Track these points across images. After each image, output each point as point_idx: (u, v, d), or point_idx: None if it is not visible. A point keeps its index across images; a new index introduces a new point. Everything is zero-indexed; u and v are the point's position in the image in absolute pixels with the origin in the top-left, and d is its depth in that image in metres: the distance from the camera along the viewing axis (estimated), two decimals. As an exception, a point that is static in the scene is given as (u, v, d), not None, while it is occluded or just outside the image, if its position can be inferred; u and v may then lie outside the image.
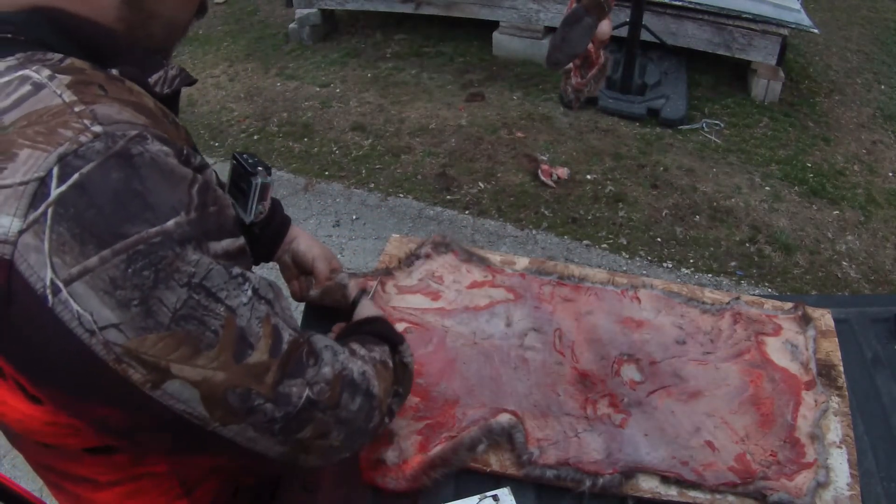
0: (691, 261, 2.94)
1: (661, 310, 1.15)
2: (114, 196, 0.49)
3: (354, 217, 3.26)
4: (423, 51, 4.70)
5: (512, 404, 0.98)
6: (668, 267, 2.91)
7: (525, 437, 0.93)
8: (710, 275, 2.86)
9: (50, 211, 0.48)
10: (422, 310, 1.12)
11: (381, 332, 0.82)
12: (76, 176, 0.49)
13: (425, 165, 3.57)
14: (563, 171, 3.40)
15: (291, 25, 4.95)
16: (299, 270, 1.06)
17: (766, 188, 3.36)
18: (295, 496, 0.93)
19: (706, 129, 3.77)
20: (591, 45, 1.30)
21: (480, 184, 3.42)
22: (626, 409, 0.98)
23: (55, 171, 0.49)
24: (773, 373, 1.04)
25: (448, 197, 3.35)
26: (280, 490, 0.95)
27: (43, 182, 0.48)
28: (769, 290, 2.77)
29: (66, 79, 0.53)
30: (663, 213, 3.19)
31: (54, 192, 0.48)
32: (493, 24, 4.48)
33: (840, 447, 0.94)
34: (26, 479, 1.86)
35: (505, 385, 1.01)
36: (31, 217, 0.48)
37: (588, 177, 3.43)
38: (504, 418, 0.95)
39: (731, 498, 0.88)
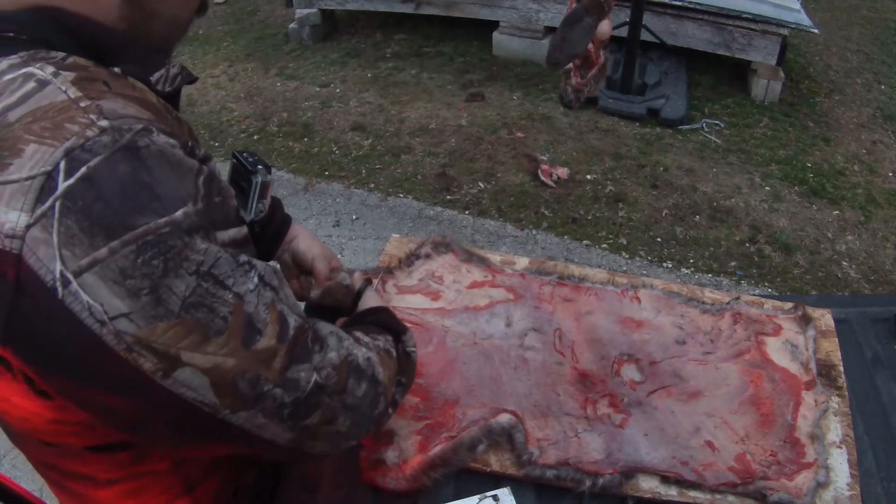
0: (691, 261, 2.94)
1: (661, 310, 1.15)
2: (122, 188, 0.50)
3: (354, 217, 3.26)
4: (423, 51, 4.70)
5: (512, 404, 0.98)
6: (668, 267, 2.91)
7: (525, 437, 0.93)
8: (710, 275, 2.86)
9: (58, 204, 0.48)
10: (422, 310, 1.12)
11: (384, 321, 0.83)
12: (83, 169, 0.49)
13: (425, 165, 3.57)
14: (563, 171, 3.41)
15: (291, 25, 4.95)
16: (299, 270, 1.06)
17: (766, 188, 3.36)
18: (295, 496, 0.93)
19: (706, 129, 3.77)
20: (591, 45, 1.30)
21: (480, 184, 3.42)
22: (626, 409, 0.98)
23: (62, 165, 0.49)
24: (773, 373, 1.04)
25: (448, 197, 3.35)
26: (280, 490, 0.95)
27: (50, 176, 0.49)
28: (769, 290, 2.77)
29: (70, 75, 0.54)
30: (663, 213, 3.19)
31: (62, 185, 0.49)
32: (493, 24, 4.48)
33: (840, 447, 0.94)
34: (26, 478, 1.86)
35: (505, 385, 1.01)
36: (39, 211, 0.48)
37: (588, 177, 3.43)
38: (504, 418, 0.95)
39: (731, 498, 0.88)
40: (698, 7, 3.86)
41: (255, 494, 0.92)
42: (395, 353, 0.78)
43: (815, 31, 3.76)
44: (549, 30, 4.28)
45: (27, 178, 0.49)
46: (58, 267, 0.49)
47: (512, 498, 0.87)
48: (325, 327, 0.67)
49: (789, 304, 1.18)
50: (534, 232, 3.11)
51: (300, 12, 4.89)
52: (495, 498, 0.87)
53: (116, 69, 0.59)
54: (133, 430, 0.60)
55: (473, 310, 1.13)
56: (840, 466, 0.92)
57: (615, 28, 2.70)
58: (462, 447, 0.92)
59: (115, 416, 0.57)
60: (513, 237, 3.09)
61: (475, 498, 0.87)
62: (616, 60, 3.81)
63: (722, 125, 3.80)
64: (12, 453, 2.08)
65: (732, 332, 1.11)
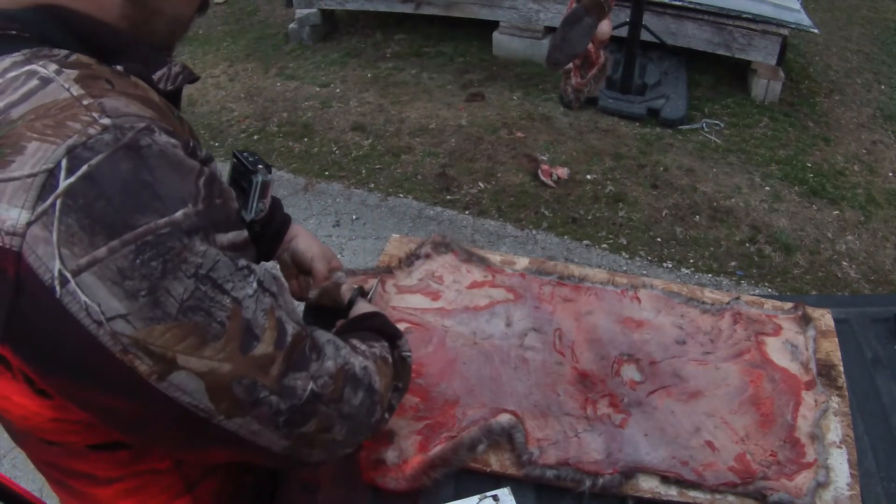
0: (691, 261, 2.94)
1: (661, 310, 1.15)
2: (123, 187, 0.50)
3: (354, 217, 3.26)
4: (423, 51, 4.70)
5: (512, 404, 0.98)
6: (668, 267, 2.91)
7: (525, 437, 0.93)
8: (710, 275, 2.86)
9: (58, 202, 0.48)
10: (422, 310, 1.12)
11: (379, 327, 0.82)
12: (85, 167, 0.49)
13: (425, 165, 3.57)
14: (563, 171, 3.41)
15: (291, 25, 4.95)
16: (298, 269, 1.06)
17: (766, 188, 3.36)
18: (295, 496, 0.93)
19: (706, 129, 3.77)
20: (591, 45, 1.30)
21: (480, 184, 3.42)
22: (626, 409, 0.98)
23: (64, 162, 0.49)
24: (773, 373, 1.04)
25: (448, 197, 3.35)
26: (280, 490, 0.95)
27: (51, 174, 0.49)
28: (769, 290, 2.77)
29: (73, 73, 0.54)
30: (663, 213, 3.19)
31: (63, 183, 0.49)
32: (493, 24, 4.48)
33: (840, 447, 0.94)
34: (26, 478, 1.86)
35: (505, 385, 1.01)
36: (40, 209, 0.48)
37: (588, 177, 3.43)
38: (504, 418, 0.95)
39: (731, 498, 0.88)
40: (698, 7, 3.86)
41: (254, 494, 0.92)
42: (391, 360, 0.77)
43: (815, 31, 3.76)
44: (549, 30, 4.28)
45: (29, 176, 0.49)
46: (56, 265, 0.49)
47: (512, 498, 0.87)
48: (322, 335, 0.67)
49: (789, 304, 1.18)
50: (534, 232, 3.11)
51: (300, 12, 4.89)
52: (495, 498, 0.87)
53: (119, 67, 0.59)
54: (131, 430, 0.60)
55: (473, 310, 1.13)
56: (840, 466, 0.92)
57: (615, 28, 2.70)
58: (462, 447, 0.92)
59: (114, 417, 0.57)
60: (513, 237, 3.09)
61: (475, 498, 0.87)
62: (616, 60, 3.81)
63: (722, 125, 3.80)
64: (12, 453, 2.08)
65: (732, 332, 1.11)
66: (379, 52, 4.74)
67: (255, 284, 0.57)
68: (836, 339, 1.11)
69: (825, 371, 1.06)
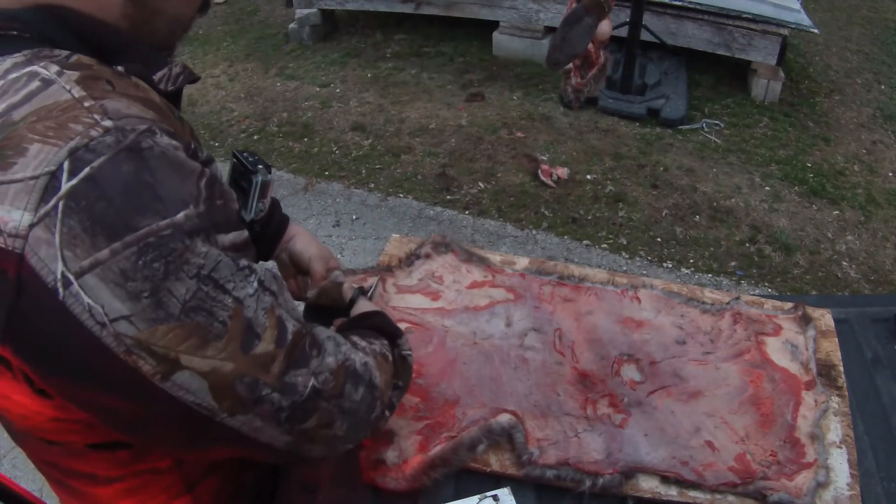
0: (691, 261, 2.94)
1: (661, 310, 1.15)
2: (125, 189, 0.50)
3: (354, 217, 3.26)
4: (423, 51, 4.70)
5: (512, 404, 0.98)
6: (668, 267, 2.91)
7: (525, 437, 0.93)
8: (710, 275, 2.86)
9: (61, 204, 0.48)
10: (422, 310, 1.12)
11: (379, 325, 0.83)
12: (87, 169, 0.49)
13: (425, 165, 3.57)
14: (563, 171, 3.41)
15: (291, 25, 4.95)
16: (296, 269, 1.06)
17: (766, 188, 3.36)
18: (295, 496, 0.93)
19: (706, 129, 3.77)
20: (591, 45, 1.30)
21: (480, 184, 3.42)
22: (626, 409, 0.98)
23: (66, 165, 0.49)
24: (773, 373, 1.04)
25: (448, 197, 3.35)
26: (280, 490, 0.95)
27: (54, 176, 0.49)
28: (769, 290, 2.77)
29: (74, 74, 0.54)
30: (663, 213, 3.19)
31: (65, 185, 0.49)
32: (493, 24, 4.48)
33: (840, 447, 0.94)
34: (26, 478, 1.86)
35: (505, 385, 1.01)
36: (42, 211, 0.48)
37: (588, 177, 3.43)
38: (504, 418, 0.95)
39: (731, 498, 0.88)
40: (698, 7, 3.86)
41: (254, 494, 0.92)
42: (391, 358, 0.78)
43: (815, 31, 3.76)
44: (549, 30, 4.28)
45: (31, 178, 0.49)
46: (59, 267, 0.49)
47: (512, 498, 0.87)
48: (322, 332, 0.67)
49: (789, 304, 1.18)
50: (534, 232, 3.11)
51: (300, 12, 4.89)
52: (495, 498, 0.87)
53: (119, 68, 0.59)
54: (132, 430, 0.60)
55: (473, 310, 1.13)
56: (840, 466, 0.92)
57: (615, 28, 2.70)
58: (462, 447, 0.92)
59: (115, 417, 0.57)
60: (513, 237, 3.09)
61: (475, 498, 0.87)
62: (616, 60, 3.81)
63: (722, 125, 3.80)
64: (12, 453, 2.08)
65: (732, 332, 1.11)
66: (379, 52, 4.74)
67: (255, 284, 0.57)
68: (836, 339, 1.11)
69: (825, 371, 1.06)
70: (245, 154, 0.90)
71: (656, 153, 3.57)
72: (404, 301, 1.13)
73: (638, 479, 0.90)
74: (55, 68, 0.54)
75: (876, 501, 0.90)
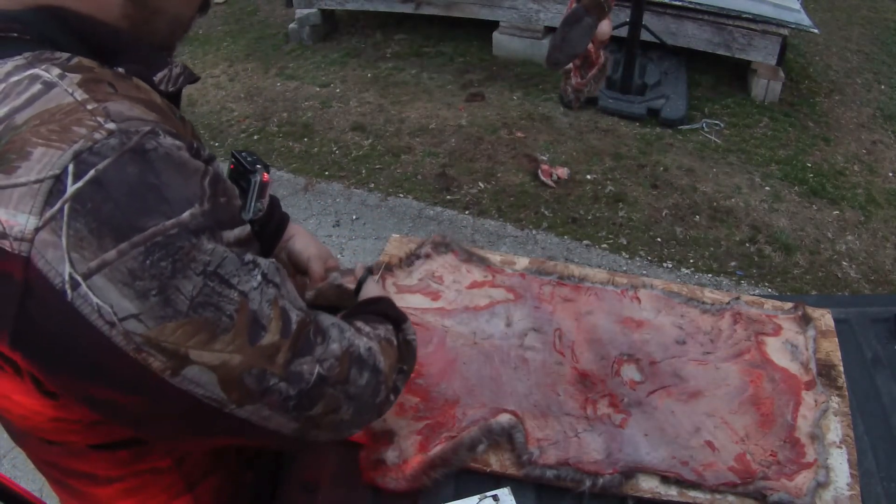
0: (691, 261, 2.94)
1: (661, 310, 1.15)
2: (130, 190, 0.50)
3: (354, 217, 3.26)
4: (423, 51, 4.70)
5: (512, 404, 0.98)
6: (668, 267, 2.91)
7: (525, 437, 0.93)
8: (710, 275, 2.86)
9: (66, 207, 0.49)
10: (422, 310, 1.12)
11: (385, 311, 0.83)
12: (92, 172, 0.49)
13: (425, 165, 3.57)
14: (563, 171, 3.40)
15: (291, 25, 4.95)
16: (295, 269, 1.06)
17: (766, 188, 3.36)
18: (295, 496, 0.93)
19: (706, 129, 3.77)
20: (591, 45, 1.30)
21: (480, 184, 3.42)
22: (626, 409, 0.98)
23: (70, 168, 0.49)
24: (773, 373, 1.04)
25: (448, 197, 3.35)
26: (280, 490, 0.95)
27: (58, 179, 0.49)
28: (769, 290, 2.77)
29: (76, 77, 0.54)
30: (663, 213, 3.19)
31: (71, 188, 0.49)
32: (493, 24, 4.48)
33: (840, 447, 0.94)
34: (26, 478, 1.86)
35: (505, 385, 1.01)
36: (48, 214, 0.49)
37: (588, 177, 3.43)
38: (504, 418, 0.95)
39: (731, 498, 0.88)
40: (698, 7, 3.86)
41: (254, 494, 0.92)
42: (395, 342, 0.78)
43: (815, 31, 3.76)
44: (549, 30, 4.28)
45: (35, 182, 0.49)
46: (67, 269, 0.49)
47: (512, 498, 0.87)
48: (326, 319, 0.68)
49: (789, 304, 1.18)
50: (534, 232, 3.11)
51: (300, 12, 4.89)
52: (495, 498, 0.87)
53: (120, 69, 0.59)
54: (139, 426, 0.61)
55: (473, 310, 1.13)
56: (840, 466, 0.92)
57: (615, 28, 2.70)
58: (462, 447, 0.92)
59: (122, 414, 0.58)
60: (513, 237, 3.09)
61: (475, 498, 0.87)
62: (616, 60, 3.81)
63: (722, 125, 3.80)
64: (12, 453, 2.08)
65: (732, 332, 1.11)
66: (379, 52, 4.74)
67: (259, 277, 0.58)
68: (836, 339, 1.11)
69: (825, 371, 1.06)
70: (244, 154, 0.90)
71: (656, 153, 3.57)
72: (404, 301, 1.13)
73: (638, 479, 0.90)
74: (57, 71, 0.54)
75: (876, 501, 0.90)
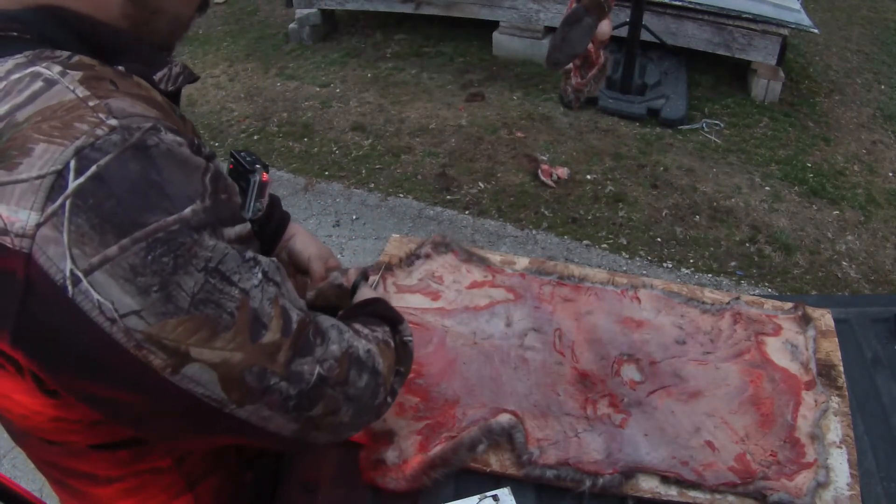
0: (691, 261, 2.94)
1: (661, 310, 1.15)
2: (132, 186, 0.50)
3: (354, 217, 3.26)
4: (423, 51, 4.70)
5: (512, 404, 0.98)
6: (668, 267, 2.91)
7: (525, 437, 0.93)
8: (710, 275, 2.86)
9: (68, 203, 0.49)
10: (422, 310, 1.12)
11: (381, 312, 0.83)
12: (94, 168, 0.49)
13: (425, 165, 3.57)
14: (563, 171, 3.40)
15: (291, 25, 4.95)
16: (295, 269, 1.06)
17: (766, 188, 3.36)
18: (295, 496, 0.93)
19: (706, 129, 3.77)
20: (591, 45, 1.30)
21: (480, 184, 3.42)
22: (626, 409, 0.98)
23: (72, 164, 0.49)
24: (773, 373, 1.04)
25: (448, 197, 3.35)
26: (280, 490, 0.95)
27: (60, 175, 0.49)
28: (769, 290, 2.77)
29: (77, 74, 0.54)
30: (663, 213, 3.19)
31: (72, 184, 0.49)
32: (493, 24, 4.48)
33: (840, 447, 0.94)
34: (26, 478, 1.86)
35: (505, 385, 1.01)
36: (49, 210, 0.49)
37: (588, 177, 3.43)
38: (504, 418, 0.95)
39: (731, 498, 0.88)
40: (698, 7, 3.85)
41: (254, 494, 0.92)
42: (392, 344, 0.78)
43: (815, 31, 3.75)
44: (549, 30, 4.28)
45: (37, 178, 0.49)
46: (68, 265, 0.49)
47: (512, 498, 0.87)
48: (326, 320, 0.68)
49: (789, 304, 1.18)
50: (534, 232, 3.11)
51: (300, 12, 4.89)
52: (495, 498, 0.87)
53: (121, 68, 0.59)
54: (138, 424, 0.61)
55: (473, 310, 1.13)
56: (840, 466, 0.92)
57: (615, 28, 2.70)
58: (462, 447, 0.92)
59: (123, 413, 0.58)
60: (513, 237, 3.09)
61: (475, 498, 0.87)
62: (616, 60, 3.81)
63: (722, 125, 3.80)
64: (12, 453, 2.08)
65: (732, 332, 1.11)
66: (379, 52, 4.74)
67: (260, 275, 0.58)
68: (836, 339, 1.11)
69: (825, 371, 1.06)
70: (243, 154, 0.90)
71: (656, 153, 3.57)
72: (404, 301, 1.13)
73: (638, 479, 0.90)
74: (58, 68, 0.54)
75: (876, 501, 0.90)
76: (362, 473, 0.91)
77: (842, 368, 1.06)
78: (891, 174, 3.53)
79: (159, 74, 0.63)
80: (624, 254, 2.98)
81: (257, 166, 0.88)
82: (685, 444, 0.93)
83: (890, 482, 0.93)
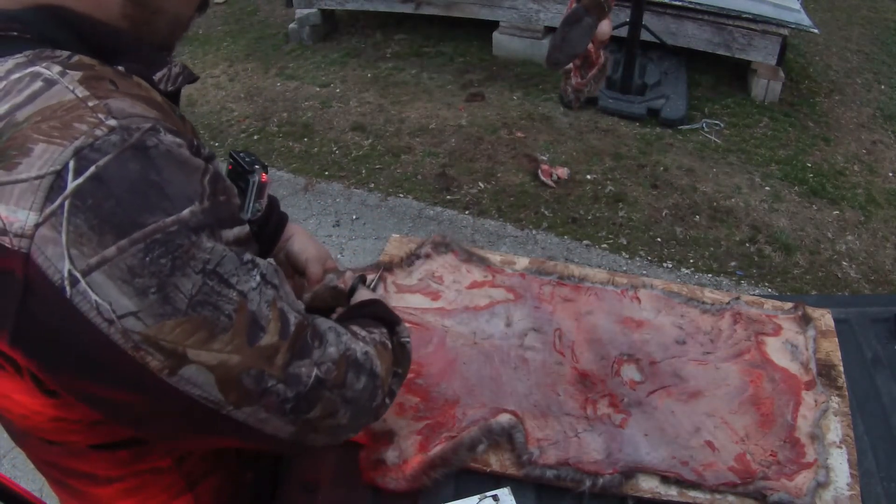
0: (691, 261, 2.94)
1: (661, 310, 1.15)
2: (130, 187, 0.50)
3: (354, 217, 3.26)
4: (423, 51, 4.70)
5: (512, 404, 0.98)
6: (668, 267, 2.91)
7: (525, 437, 0.93)
8: (710, 275, 2.86)
9: (67, 203, 0.49)
10: (422, 310, 1.12)
11: (378, 314, 0.83)
12: (93, 168, 0.49)
13: (425, 165, 3.57)
14: (563, 171, 3.40)
15: (291, 25, 4.95)
16: (293, 270, 1.06)
17: (766, 188, 3.36)
18: (295, 496, 0.93)
19: (706, 129, 3.77)
20: (591, 45, 1.30)
21: (480, 184, 3.42)
22: (626, 409, 0.98)
23: (71, 164, 0.49)
24: (773, 373, 1.04)
25: (448, 197, 3.35)
26: (280, 490, 0.95)
27: (59, 175, 0.49)
28: (769, 290, 2.77)
29: (77, 74, 0.54)
30: (663, 213, 3.19)
31: (71, 184, 0.49)
32: (493, 24, 4.48)
33: (840, 447, 0.94)
34: (26, 478, 1.86)
35: (505, 385, 1.01)
36: (48, 210, 0.49)
37: (588, 177, 3.43)
38: (504, 418, 0.95)
39: (731, 498, 0.88)
40: (698, 7, 3.86)
41: (254, 494, 0.92)
42: (390, 345, 0.78)
43: (815, 31, 3.75)
44: (549, 30, 4.28)
45: (36, 178, 0.49)
46: (66, 266, 0.49)
47: (512, 498, 0.87)
48: (323, 323, 0.67)
49: (789, 304, 1.18)
50: (534, 232, 3.11)
51: (300, 12, 4.89)
52: (495, 498, 0.87)
53: (120, 68, 0.59)
54: (139, 425, 0.61)
55: (473, 310, 1.13)
56: (840, 466, 0.92)
57: (615, 28, 2.70)
58: (462, 447, 0.92)
59: (122, 413, 0.58)
60: (513, 237, 3.09)
61: (475, 498, 0.87)
62: (616, 60, 3.81)
63: (722, 125, 3.80)
64: (12, 453, 2.08)
65: (732, 332, 1.11)
66: (379, 52, 4.74)
67: (258, 277, 0.58)
68: (836, 339, 1.11)
69: (825, 371, 1.06)
70: (241, 154, 0.90)
71: (656, 153, 3.57)
72: (404, 301, 1.13)
73: (638, 479, 0.90)
74: (58, 68, 0.54)
75: (876, 501, 0.90)
76: (362, 473, 0.91)
77: (842, 368, 1.06)
78: (891, 174, 3.53)
79: (159, 75, 0.63)
80: (624, 254, 2.98)
81: (256, 167, 0.87)
82: (685, 444, 0.93)
83: (890, 482, 0.93)
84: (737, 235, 3.06)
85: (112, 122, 0.51)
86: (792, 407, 0.99)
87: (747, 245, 3.02)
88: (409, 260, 1.21)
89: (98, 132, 0.50)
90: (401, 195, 3.38)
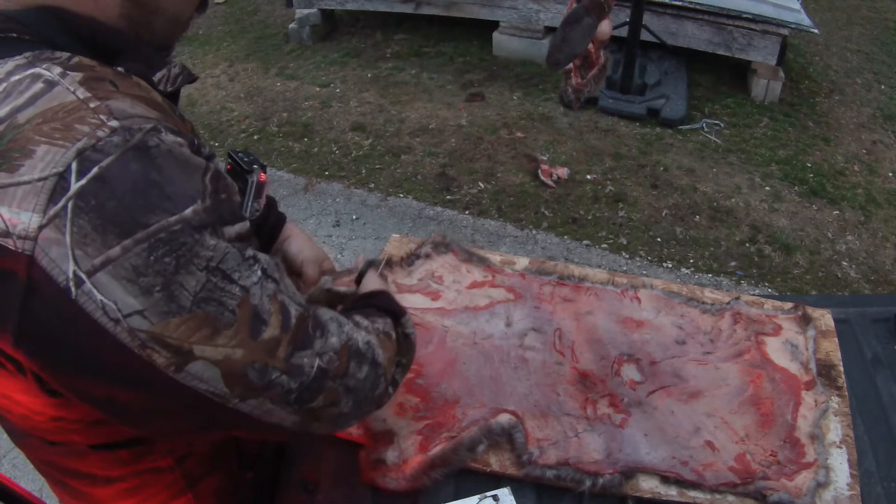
0: (691, 261, 2.94)
1: (661, 310, 1.15)
2: (133, 187, 0.51)
3: (354, 217, 3.26)
4: (423, 51, 4.70)
5: (512, 404, 0.98)
6: (668, 267, 2.91)
7: (525, 437, 0.93)
8: (710, 275, 2.86)
9: (70, 204, 0.49)
10: (422, 310, 1.12)
11: (383, 304, 0.84)
12: (96, 169, 0.50)
13: (425, 165, 3.57)
14: (563, 171, 3.40)
15: (291, 25, 4.95)
16: (290, 271, 1.06)
17: (766, 188, 3.36)
18: (295, 496, 0.93)
19: (706, 129, 3.77)
20: (591, 45, 1.30)
21: (480, 184, 3.42)
22: (626, 409, 0.98)
23: (74, 165, 0.49)
24: (773, 373, 1.04)
25: (448, 197, 3.35)
26: (280, 490, 0.95)
27: (62, 177, 0.49)
28: (769, 290, 2.77)
29: (77, 75, 0.54)
30: (663, 213, 3.19)
31: (74, 185, 0.49)
32: (493, 24, 4.48)
33: (840, 447, 0.94)
34: (26, 478, 1.86)
35: (505, 385, 1.01)
36: (52, 212, 0.49)
37: (588, 177, 3.43)
38: (504, 418, 0.95)
39: (731, 498, 0.88)
40: (698, 7, 3.85)
41: (254, 494, 0.92)
42: (394, 336, 0.79)
43: (815, 31, 3.75)
44: (549, 30, 4.28)
45: (39, 180, 0.49)
46: (71, 267, 0.49)
47: (512, 498, 0.87)
48: (325, 313, 0.68)
49: (789, 304, 1.18)
50: (534, 232, 3.11)
51: (300, 12, 4.88)
52: (495, 498, 0.87)
53: (120, 68, 0.59)
54: (140, 423, 0.61)
55: (473, 310, 1.13)
56: (840, 466, 0.92)
57: (615, 28, 2.70)
58: (462, 447, 0.92)
59: (125, 411, 0.58)
60: (513, 237, 3.09)
61: (475, 498, 0.87)
62: (616, 60, 3.81)
63: (722, 125, 3.80)
64: (12, 453, 2.08)
65: (732, 332, 1.11)
66: (379, 52, 4.74)
67: (259, 272, 0.58)
68: (836, 339, 1.11)
69: (825, 371, 1.06)
70: (240, 154, 0.90)
71: (656, 153, 3.57)
72: (404, 301, 1.13)
73: (638, 479, 0.90)
74: (58, 70, 0.54)
75: (876, 501, 0.90)
76: (362, 473, 0.91)
77: (842, 368, 1.06)
78: (891, 174, 3.53)
79: (158, 75, 0.64)
80: (624, 254, 2.98)
81: (255, 167, 0.88)
82: (685, 444, 0.93)
83: (890, 482, 0.93)
84: (737, 235, 3.06)
85: (114, 123, 0.51)
86: (792, 407, 0.99)
87: (747, 245, 3.02)
88: (410, 260, 1.21)
89: (100, 133, 0.51)
90: (401, 195, 3.38)
